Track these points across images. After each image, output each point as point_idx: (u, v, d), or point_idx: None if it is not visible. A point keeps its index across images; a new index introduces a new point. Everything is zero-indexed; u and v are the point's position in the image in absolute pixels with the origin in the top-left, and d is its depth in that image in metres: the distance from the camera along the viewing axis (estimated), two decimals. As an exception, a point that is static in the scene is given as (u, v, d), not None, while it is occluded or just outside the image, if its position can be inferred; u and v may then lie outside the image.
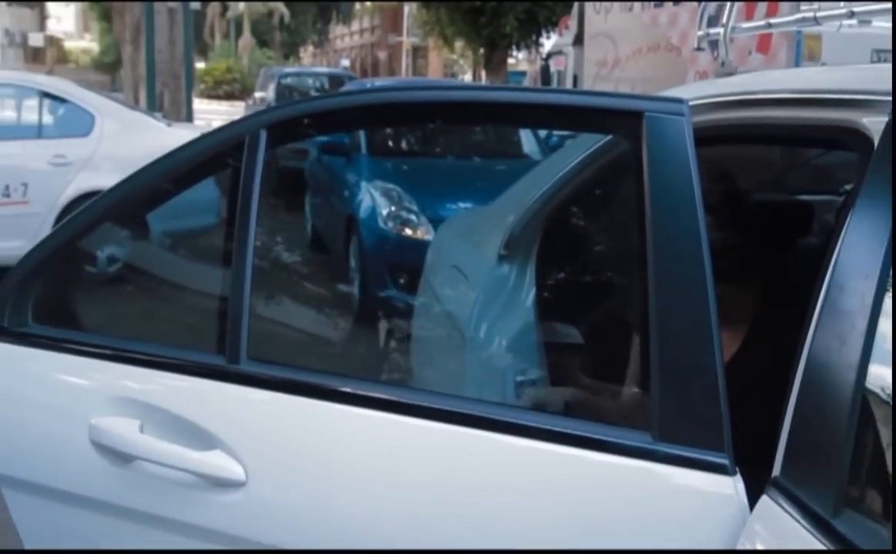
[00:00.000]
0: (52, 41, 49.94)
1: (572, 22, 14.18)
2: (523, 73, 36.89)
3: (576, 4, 13.81)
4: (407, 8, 39.57)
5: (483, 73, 21.94)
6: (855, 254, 1.06)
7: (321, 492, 1.26)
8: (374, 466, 1.24)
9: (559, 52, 14.94)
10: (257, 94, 12.99)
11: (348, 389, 1.27)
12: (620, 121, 1.28)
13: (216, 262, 1.38)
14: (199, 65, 37.54)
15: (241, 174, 1.32)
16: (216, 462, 1.26)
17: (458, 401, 1.29)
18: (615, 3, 11.88)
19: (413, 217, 5.31)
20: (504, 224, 2.17)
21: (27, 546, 1.46)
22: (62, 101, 6.54)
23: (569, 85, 14.05)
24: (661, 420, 1.13)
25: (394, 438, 1.24)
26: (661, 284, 1.15)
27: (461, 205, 4.60)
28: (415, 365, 2.22)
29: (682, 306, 1.14)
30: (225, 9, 40.73)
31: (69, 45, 58.47)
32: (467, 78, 36.48)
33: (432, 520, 1.21)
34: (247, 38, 42.15)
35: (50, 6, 53.09)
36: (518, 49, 21.07)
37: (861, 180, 1.10)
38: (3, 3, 41.38)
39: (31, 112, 6.44)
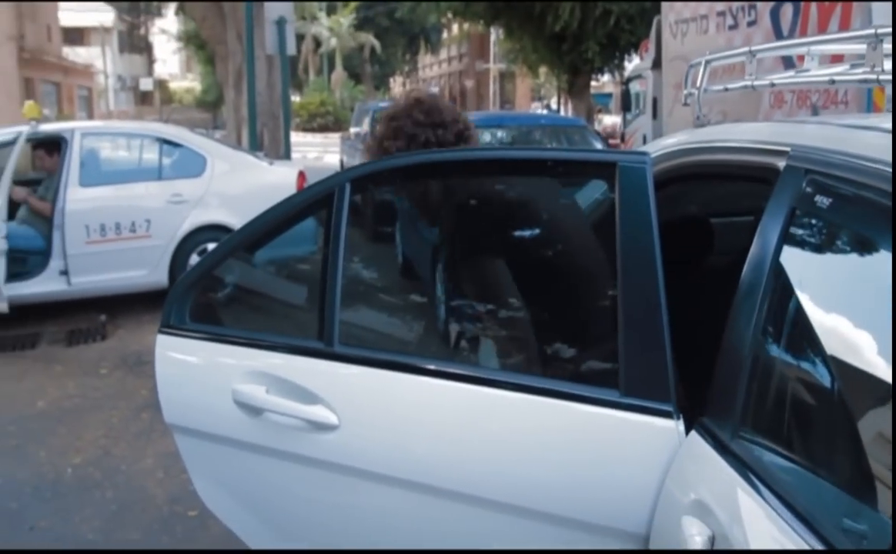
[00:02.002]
0: (159, 83, 52.95)
1: (651, 45, 14.43)
2: (609, 95, 36.95)
3: (653, 29, 14.04)
4: (494, 35, 40.33)
5: (568, 98, 22.31)
6: (756, 255, 1.51)
7: (389, 433, 1.77)
8: (426, 415, 1.75)
9: (639, 76, 15.17)
10: (353, 130, 13.58)
11: (408, 362, 1.79)
12: (603, 169, 1.76)
13: (317, 277, 1.90)
14: (295, 99, 39.26)
15: (332, 216, 1.86)
16: (318, 413, 1.78)
17: (487, 370, 1.80)
18: (691, 26, 12.14)
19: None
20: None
21: (191, 474, 2.03)
22: (178, 146, 7.36)
23: (648, 109, 14.30)
24: (626, 381, 1.59)
25: (437, 395, 1.74)
26: (627, 283, 1.62)
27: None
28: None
29: (641, 300, 1.60)
30: (318, 45, 42.52)
31: (173, 85, 61.89)
32: (553, 102, 36.81)
33: (468, 453, 1.70)
34: (339, 72, 43.78)
35: (156, 50, 56.43)
36: (601, 73, 21.31)
37: (766, 205, 1.55)
38: (118, 52, 44.44)
39: (152, 157, 7.28)
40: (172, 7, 25.75)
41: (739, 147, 1.76)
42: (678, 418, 1.56)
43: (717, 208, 2.79)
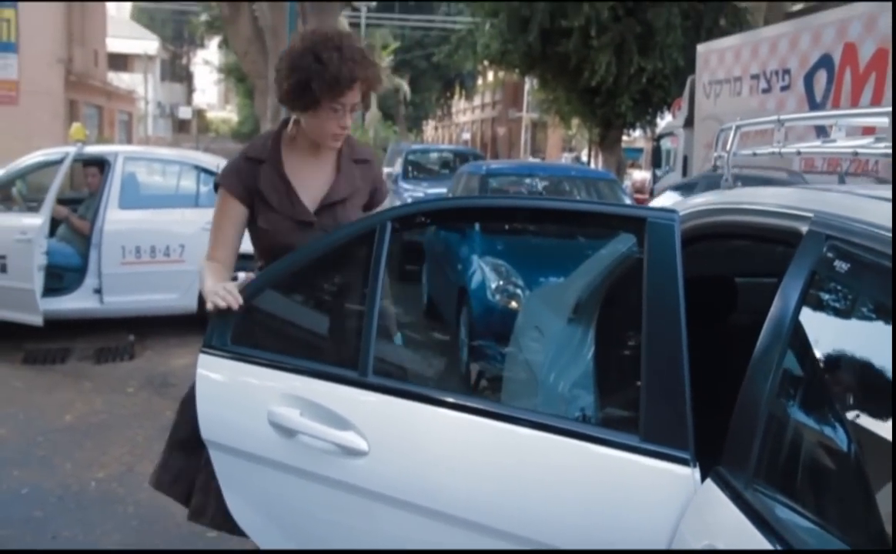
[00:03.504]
0: (197, 112, 53.95)
1: (684, 103, 14.54)
2: (640, 150, 37.05)
3: (687, 88, 14.17)
4: (528, 84, 40.68)
5: (599, 151, 22.45)
6: (777, 314, 1.57)
7: (416, 462, 1.84)
8: (449, 448, 1.82)
9: (670, 133, 15.26)
10: (385, 169, 13.68)
11: (436, 396, 1.87)
12: (632, 224, 1.84)
13: (355, 309, 1.99)
14: (329, 136, 39.63)
15: (371, 253, 1.95)
16: (349, 438, 1.87)
17: (512, 408, 1.87)
18: (724, 87, 12.26)
19: (519, 291, 5.57)
20: (573, 295, 2.72)
21: (224, 488, 2.10)
22: (215, 175, 7.52)
23: (678, 166, 14.37)
24: (646, 427, 1.65)
25: (464, 430, 1.81)
26: (651, 334, 1.69)
27: (558, 278, 4.95)
28: (503, 399, 2.77)
29: (664, 351, 1.67)
30: (354, 85, 42.97)
31: (211, 115, 63.06)
32: (584, 154, 36.99)
33: (489, 486, 1.76)
34: (373, 112, 44.28)
35: (196, 80, 57.63)
36: (633, 128, 21.44)
37: (787, 268, 1.62)
38: (159, 80, 45.51)
39: (190, 184, 7.46)
40: (217, 39, 26.35)
41: (765, 210, 1.83)
42: (694, 466, 1.61)
43: (741, 268, 2.85)
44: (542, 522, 1.70)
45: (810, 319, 1.51)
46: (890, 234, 1.39)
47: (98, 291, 6.83)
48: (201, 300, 7.71)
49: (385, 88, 44.96)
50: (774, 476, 1.47)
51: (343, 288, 2.19)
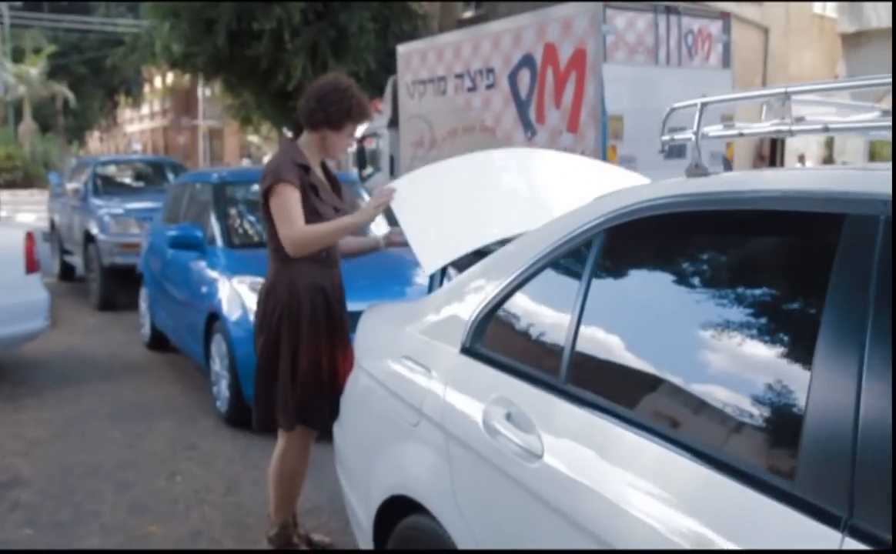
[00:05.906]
0: None
1: (385, 105, 14.57)
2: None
3: (388, 89, 14.23)
4: (201, 91, 38.82)
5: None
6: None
7: (580, 477, 1.71)
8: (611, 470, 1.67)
9: (373, 134, 15.25)
10: (69, 185, 11.80)
11: (618, 412, 1.72)
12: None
13: (564, 318, 1.96)
14: (-28, 152, 34.82)
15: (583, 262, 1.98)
16: (532, 441, 1.85)
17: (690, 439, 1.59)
18: (429, 87, 12.47)
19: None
20: (462, 316, 2.34)
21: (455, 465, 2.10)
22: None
23: (385, 165, 14.41)
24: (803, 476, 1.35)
25: (622, 445, 1.67)
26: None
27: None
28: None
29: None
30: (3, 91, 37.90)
31: None
32: (266, 159, 36.26)
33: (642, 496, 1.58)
34: (28, 123, 39.32)
35: None
36: (328, 131, 21.29)
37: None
38: None
39: None
40: None
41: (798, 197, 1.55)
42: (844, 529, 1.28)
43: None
44: None
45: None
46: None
47: None
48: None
49: (41, 96, 40.28)
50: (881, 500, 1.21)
51: (557, 294, 2.17)
